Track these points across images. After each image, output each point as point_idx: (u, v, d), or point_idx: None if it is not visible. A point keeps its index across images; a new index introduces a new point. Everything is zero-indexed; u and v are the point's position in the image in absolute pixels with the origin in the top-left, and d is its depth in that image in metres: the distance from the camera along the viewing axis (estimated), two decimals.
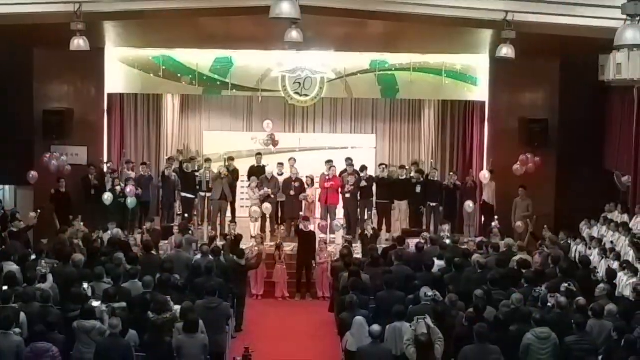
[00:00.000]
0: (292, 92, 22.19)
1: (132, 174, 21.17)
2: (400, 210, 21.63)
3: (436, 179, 21.55)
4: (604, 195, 19.77)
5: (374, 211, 21.42)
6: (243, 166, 22.23)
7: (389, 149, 24.33)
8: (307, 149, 23.36)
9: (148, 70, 21.97)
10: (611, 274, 14.70)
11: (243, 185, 22.13)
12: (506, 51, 17.91)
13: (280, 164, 21.74)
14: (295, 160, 21.80)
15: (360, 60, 22.08)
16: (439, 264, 15.82)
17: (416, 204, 21.26)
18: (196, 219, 21.36)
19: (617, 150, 19.60)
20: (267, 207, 20.66)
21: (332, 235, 20.34)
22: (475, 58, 21.92)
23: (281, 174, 21.52)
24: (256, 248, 18.40)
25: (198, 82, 22.10)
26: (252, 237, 19.59)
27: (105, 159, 21.57)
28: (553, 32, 17.77)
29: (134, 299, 13.15)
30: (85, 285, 13.70)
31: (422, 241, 17.57)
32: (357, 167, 21.31)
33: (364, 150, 23.29)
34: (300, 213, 20.75)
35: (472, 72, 22.10)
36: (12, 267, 14.65)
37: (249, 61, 22.05)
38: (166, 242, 18.66)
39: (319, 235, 19.62)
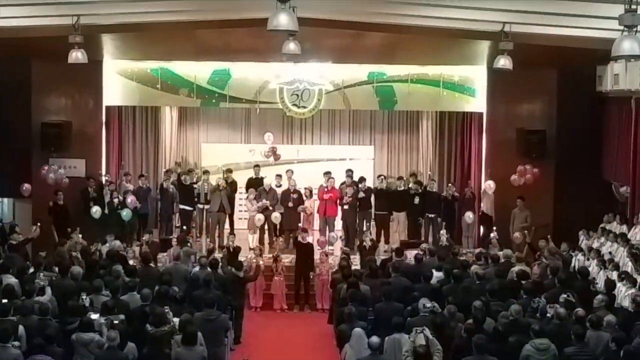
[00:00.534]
0: (290, 104, 22.22)
1: (130, 186, 21.20)
2: (399, 221, 21.64)
3: (434, 190, 21.60)
4: (602, 206, 19.78)
5: (373, 222, 21.43)
6: (241, 178, 22.26)
7: (387, 160, 24.37)
8: (305, 161, 23.41)
9: (146, 83, 21.99)
10: (610, 285, 14.69)
11: (241, 197, 22.16)
12: (504, 62, 17.96)
13: (279, 176, 21.78)
14: (292, 172, 21.84)
15: (358, 72, 22.12)
16: (437, 275, 15.82)
17: (414, 215, 21.28)
18: (194, 231, 21.41)
19: (615, 160, 19.63)
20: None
21: (331, 247, 20.32)
22: (473, 69, 21.97)
23: (279, 186, 21.55)
24: (254, 260, 18.39)
25: (196, 94, 22.12)
26: (250, 249, 19.62)
27: (104, 172, 21.60)
28: (550, 43, 17.83)
29: (132, 311, 13.13)
30: (84, 297, 13.71)
31: (421, 252, 17.56)
32: (356, 179, 21.33)
33: (362, 161, 23.32)
34: (299, 225, 20.79)
35: (470, 84, 22.14)
36: (10, 279, 14.64)
37: (246, 73, 22.08)
38: (165, 254, 18.65)
39: (318, 248, 19.63)
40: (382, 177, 22.14)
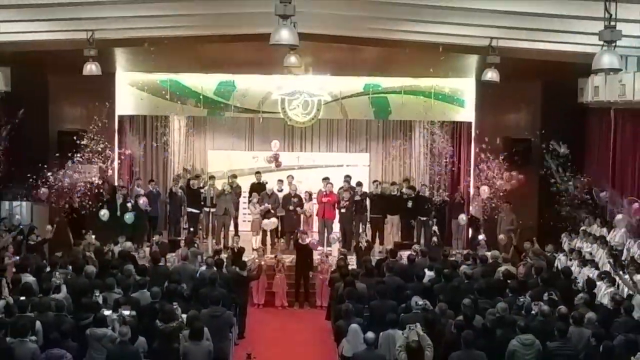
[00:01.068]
0: (290, 114, 22.21)
1: (141, 191, 21.19)
2: (393, 224, 21.63)
3: (426, 194, 21.58)
4: (584, 210, 19.77)
5: (368, 225, 21.41)
6: (245, 183, 22.25)
7: (381, 166, 24.35)
8: (305, 167, 23.40)
9: (156, 94, 21.97)
10: (590, 284, 14.70)
11: (245, 201, 22.15)
12: (491, 75, 18.01)
13: (280, 181, 21.78)
14: (293, 177, 21.84)
15: (354, 83, 22.10)
16: (429, 274, 15.82)
17: (407, 218, 21.27)
18: (201, 232, 21.41)
19: (596, 167, 19.62)
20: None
21: (329, 248, 20.31)
22: (463, 81, 21.95)
23: (281, 190, 21.55)
24: (257, 260, 18.39)
25: (203, 104, 22.10)
26: (253, 249, 19.59)
27: (116, 177, 21.57)
28: (535, 57, 17.88)
29: (142, 307, 13.14)
30: (97, 294, 13.71)
31: (414, 253, 17.56)
32: (353, 184, 21.35)
33: (358, 167, 23.30)
34: (299, 227, 20.80)
35: (460, 95, 22.12)
36: (28, 278, 14.65)
37: (250, 85, 22.05)
38: (173, 254, 18.64)
39: (319, 248, 19.64)
40: (377, 182, 22.16)
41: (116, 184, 21.34)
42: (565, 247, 18.29)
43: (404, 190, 21.64)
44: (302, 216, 21.24)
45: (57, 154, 20.92)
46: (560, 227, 19.62)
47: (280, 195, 21.42)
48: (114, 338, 11.69)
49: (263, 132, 23.81)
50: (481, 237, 19.89)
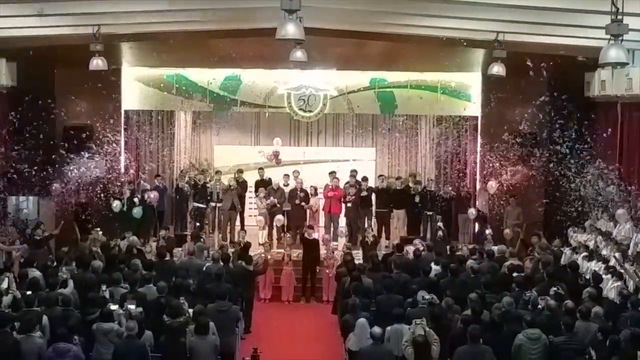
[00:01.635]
0: (297, 109, 22.22)
1: (148, 185, 21.22)
2: (399, 218, 21.63)
3: (432, 189, 21.56)
4: (590, 204, 19.70)
5: (374, 219, 21.41)
6: (251, 178, 22.25)
7: (388, 161, 24.33)
8: (311, 162, 23.36)
9: (162, 89, 22.00)
10: (597, 278, 14.67)
11: (251, 196, 22.15)
12: (497, 69, 17.96)
13: (286, 175, 21.78)
14: (299, 172, 21.84)
15: (360, 78, 22.10)
16: (435, 269, 15.82)
17: (414, 212, 21.25)
18: (207, 227, 21.42)
19: (603, 161, 19.56)
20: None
21: (335, 243, 20.32)
22: (469, 76, 21.93)
23: (287, 185, 21.55)
24: (263, 255, 18.40)
25: (209, 99, 22.12)
26: (260, 244, 19.61)
27: (122, 172, 21.59)
28: (541, 51, 17.81)
29: (149, 302, 13.16)
30: (104, 289, 13.73)
31: (420, 248, 17.57)
32: (359, 179, 21.33)
33: (364, 162, 23.25)
34: (305, 221, 20.80)
35: (466, 89, 22.11)
36: (35, 273, 14.68)
37: (256, 79, 22.05)
38: (180, 249, 18.68)
39: (324, 245, 19.64)
40: (383, 177, 22.16)
41: (122, 179, 21.35)
42: (572, 241, 18.25)
43: (410, 184, 21.63)
44: (308, 211, 21.24)
45: (64, 149, 20.94)
46: (567, 222, 19.56)
47: (287, 189, 21.42)
48: (121, 332, 11.72)
49: (269, 126, 23.79)
50: (488, 231, 19.86)
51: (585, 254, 16.74)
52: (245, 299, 15.92)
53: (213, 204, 21.19)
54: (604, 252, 16.57)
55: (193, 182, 21.57)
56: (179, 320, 12.23)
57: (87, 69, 17.79)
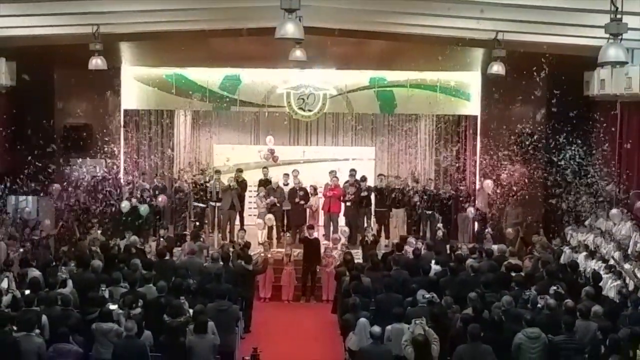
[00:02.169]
0: (296, 108, 22.22)
1: (147, 185, 21.19)
2: (398, 217, 21.61)
3: (432, 188, 21.55)
4: (590, 203, 19.70)
5: (373, 219, 21.40)
6: (251, 177, 22.23)
7: (387, 160, 24.29)
8: (310, 161, 23.32)
9: (161, 88, 21.99)
10: (596, 277, 14.67)
11: (251, 195, 22.14)
12: (497, 68, 17.97)
13: (286, 175, 21.75)
14: (298, 171, 21.77)
15: (360, 77, 22.09)
16: (435, 268, 15.81)
17: (413, 212, 21.24)
18: (207, 227, 21.39)
19: (602, 160, 19.57)
20: (270, 217, 20.74)
21: (334, 243, 20.29)
22: (468, 75, 21.93)
23: (287, 184, 21.53)
24: (263, 254, 18.39)
25: (208, 98, 22.11)
26: (259, 243, 19.60)
27: (122, 171, 21.59)
28: (541, 50, 17.81)
29: (149, 302, 13.16)
30: (103, 289, 13.72)
31: (419, 246, 17.57)
32: (358, 178, 21.33)
33: (364, 161, 23.19)
34: (305, 220, 20.78)
35: (465, 88, 22.11)
36: (34, 272, 14.67)
37: (256, 79, 22.05)
38: (179, 248, 18.66)
39: (323, 243, 19.64)
40: (382, 176, 22.13)
41: (122, 178, 21.35)
42: (573, 241, 18.23)
43: (409, 184, 21.62)
44: (307, 210, 21.23)
45: (63, 149, 20.94)
46: (566, 221, 19.56)
47: (286, 189, 21.40)
48: (120, 332, 11.71)
49: (268, 126, 23.76)
50: (487, 230, 19.86)
51: (585, 253, 16.75)
52: (245, 299, 15.91)
53: (212, 204, 21.17)
54: (603, 251, 16.57)
55: (192, 182, 21.55)
56: (179, 320, 12.23)
57: (87, 69, 17.80)
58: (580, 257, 16.66)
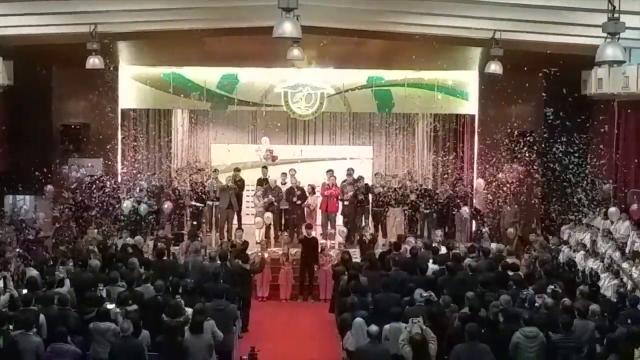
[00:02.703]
0: (294, 107, 22.21)
1: (145, 184, 21.16)
2: (395, 216, 21.60)
3: (429, 187, 21.55)
4: (587, 202, 19.71)
5: (371, 218, 21.39)
6: (248, 176, 22.23)
7: (385, 159, 24.31)
8: (308, 160, 23.33)
9: (159, 87, 21.97)
10: (594, 276, 14.68)
11: (249, 195, 22.13)
12: (494, 67, 17.95)
13: (284, 174, 21.74)
14: (295, 170, 21.77)
15: (357, 76, 22.08)
16: (433, 267, 15.81)
17: (410, 211, 21.23)
18: (204, 226, 21.37)
19: (599, 159, 19.57)
20: (268, 216, 20.72)
21: (332, 241, 20.31)
22: (466, 74, 21.93)
23: (284, 184, 21.52)
24: (260, 254, 18.38)
25: (206, 97, 22.09)
26: (257, 243, 19.59)
27: (119, 170, 21.58)
28: (538, 49, 17.79)
29: (147, 301, 13.15)
30: (101, 288, 13.71)
31: (418, 246, 17.57)
32: (355, 177, 21.33)
33: (361, 160, 23.21)
34: (303, 221, 20.77)
35: (463, 87, 22.11)
36: (32, 272, 14.66)
37: (253, 78, 22.04)
38: (177, 247, 18.65)
39: (321, 242, 19.64)
40: (380, 175, 22.13)
41: (120, 178, 21.34)
42: (571, 240, 18.23)
43: (407, 183, 21.62)
44: (305, 209, 21.22)
45: (61, 148, 20.93)
46: (564, 220, 19.56)
47: (284, 188, 21.40)
48: (118, 332, 11.69)
49: (266, 125, 23.77)
50: (485, 229, 19.85)
51: (583, 252, 16.75)
52: (243, 298, 15.90)
53: (210, 203, 21.15)
54: (602, 250, 16.58)
55: (190, 181, 21.53)
56: (179, 320, 12.22)
57: (84, 68, 17.77)
58: (578, 256, 16.67)
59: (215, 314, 12.86)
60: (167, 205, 20.53)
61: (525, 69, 19.72)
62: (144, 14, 16.57)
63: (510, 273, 15.13)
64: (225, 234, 20.95)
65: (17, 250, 16.73)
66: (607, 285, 14.79)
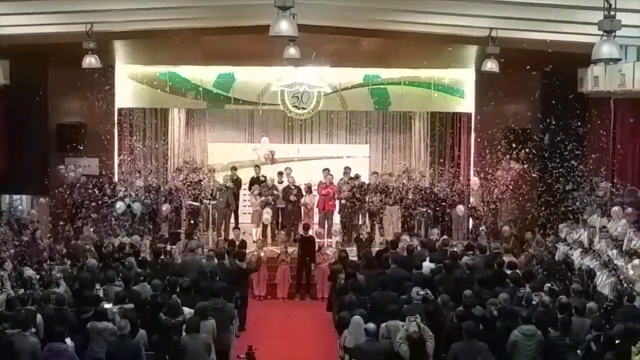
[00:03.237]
0: (290, 106, 22.19)
1: (141, 183, 21.13)
2: (392, 215, 21.59)
3: (426, 185, 21.55)
4: (584, 200, 19.72)
5: (368, 216, 21.38)
6: (245, 175, 22.22)
7: (381, 158, 24.29)
8: (305, 159, 23.34)
9: (155, 86, 21.95)
10: (591, 274, 14.68)
11: (245, 194, 22.12)
12: (491, 65, 17.94)
13: (280, 173, 21.74)
14: (291, 169, 21.78)
15: (354, 75, 22.08)
16: (429, 265, 15.82)
17: (407, 209, 21.23)
18: (201, 225, 21.36)
19: (596, 157, 19.60)
20: (267, 217, 20.68)
21: (329, 240, 20.32)
22: (462, 72, 21.93)
23: (281, 182, 21.52)
24: (256, 253, 18.38)
25: (202, 96, 22.08)
26: (254, 241, 19.59)
27: (116, 170, 21.56)
28: (534, 47, 17.78)
29: (143, 300, 13.14)
30: (98, 287, 13.70)
31: (414, 244, 17.57)
32: (352, 175, 21.33)
33: (358, 159, 23.23)
34: (300, 219, 20.77)
35: (459, 85, 22.11)
36: (28, 271, 14.64)
37: (250, 77, 22.02)
38: (174, 247, 18.64)
39: (318, 241, 19.64)
40: (376, 173, 22.13)
41: (116, 177, 21.32)
42: (568, 238, 18.23)
43: (403, 181, 21.61)
44: (302, 208, 21.22)
45: (57, 147, 20.91)
46: (561, 218, 19.56)
47: (280, 187, 21.39)
48: (115, 331, 11.68)
49: (263, 124, 23.76)
50: (482, 228, 19.86)
51: (580, 249, 16.75)
52: (240, 297, 15.90)
53: (207, 202, 21.14)
54: (598, 248, 16.58)
55: (187, 180, 21.51)
56: (177, 320, 12.21)
57: (81, 67, 17.75)
58: (575, 254, 16.67)
59: (212, 312, 12.86)
60: (165, 208, 20.49)
61: (522, 67, 19.73)
62: (140, 13, 16.54)
63: (508, 271, 15.13)
64: (223, 233, 20.95)
65: (12, 251, 16.71)
66: (604, 283, 14.77)
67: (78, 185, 20.42)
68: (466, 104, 22.18)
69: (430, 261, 16.08)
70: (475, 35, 17.87)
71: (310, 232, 19.50)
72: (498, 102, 21.51)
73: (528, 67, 20.12)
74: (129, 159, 22.19)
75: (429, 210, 21.00)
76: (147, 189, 20.90)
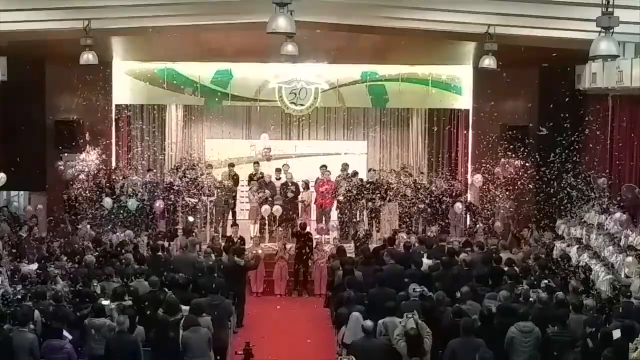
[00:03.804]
0: (288, 102, 22.20)
1: (139, 180, 21.12)
2: (390, 212, 21.59)
3: (424, 182, 21.55)
4: (582, 197, 19.73)
5: (365, 213, 21.38)
6: (243, 172, 22.21)
7: (379, 154, 24.24)
8: (303, 156, 23.31)
9: (153, 83, 21.95)
10: (588, 271, 14.70)
11: (243, 190, 22.11)
12: (488, 62, 17.94)
13: (278, 170, 21.73)
14: (289, 166, 21.77)
15: (352, 72, 22.10)
16: (427, 262, 15.83)
17: (405, 206, 21.22)
18: (199, 222, 21.34)
19: (594, 154, 19.62)
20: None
21: (327, 236, 20.32)
22: (460, 69, 21.95)
23: (279, 179, 21.51)
24: (254, 251, 18.39)
25: (200, 93, 22.09)
26: (251, 238, 19.59)
27: (113, 167, 21.57)
28: (532, 44, 17.80)
29: (142, 297, 13.14)
30: (95, 284, 13.70)
31: (412, 241, 17.59)
32: (350, 172, 21.32)
33: (356, 156, 23.18)
34: (297, 216, 20.76)
35: (457, 82, 22.13)
36: (26, 268, 14.64)
37: (247, 73, 22.03)
38: (172, 243, 18.63)
39: (316, 237, 19.64)
40: (374, 170, 22.12)
41: (113, 173, 21.31)
42: (565, 234, 18.25)
43: (401, 178, 21.61)
44: (300, 205, 21.22)
45: (55, 144, 20.90)
46: (558, 215, 19.57)
47: (278, 184, 21.38)
48: (113, 328, 11.69)
49: (260, 121, 23.74)
50: (479, 225, 19.87)
51: (577, 246, 16.78)
52: (238, 293, 15.91)
53: (205, 199, 21.13)
54: (595, 245, 16.61)
55: (184, 177, 21.48)
56: (176, 318, 12.21)
57: (78, 64, 17.72)
58: (573, 251, 16.69)
59: (210, 309, 12.87)
60: (159, 204, 20.44)
61: (520, 63, 19.73)
62: (138, 10, 16.53)
63: (506, 268, 15.15)
64: (220, 230, 20.95)
65: (10, 248, 16.72)
66: (602, 279, 14.80)
67: (76, 181, 20.39)
68: (464, 101, 22.20)
69: (428, 258, 16.09)
70: (473, 32, 17.88)
71: (308, 229, 19.49)
72: (496, 99, 21.52)
73: (526, 64, 20.13)
74: (127, 155, 22.18)
75: (427, 208, 20.99)
76: (144, 185, 20.86)
